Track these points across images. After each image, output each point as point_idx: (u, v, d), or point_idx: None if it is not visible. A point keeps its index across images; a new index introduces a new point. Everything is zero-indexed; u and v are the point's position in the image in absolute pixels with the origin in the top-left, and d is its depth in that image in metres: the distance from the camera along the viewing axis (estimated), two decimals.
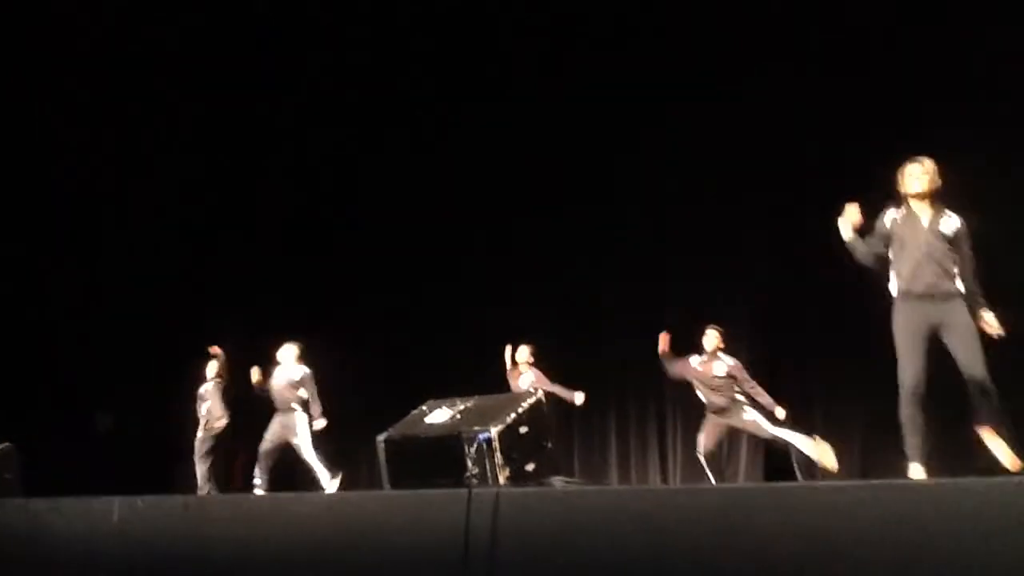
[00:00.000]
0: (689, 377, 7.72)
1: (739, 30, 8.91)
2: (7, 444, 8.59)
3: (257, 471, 8.44)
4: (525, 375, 8.38)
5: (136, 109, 11.22)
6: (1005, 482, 3.39)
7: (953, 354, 4.79)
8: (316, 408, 8.45)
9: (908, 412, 4.87)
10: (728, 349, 7.90)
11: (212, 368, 9.14)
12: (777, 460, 8.09)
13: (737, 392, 7.57)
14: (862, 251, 5.05)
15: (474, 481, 4.67)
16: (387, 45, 10.74)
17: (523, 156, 10.07)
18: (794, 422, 8.43)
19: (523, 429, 4.90)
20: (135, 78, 11.14)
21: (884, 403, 6.85)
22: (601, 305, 9.89)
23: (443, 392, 5.57)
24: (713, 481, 7.57)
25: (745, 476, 8.42)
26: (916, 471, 4.81)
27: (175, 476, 9.29)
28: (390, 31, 10.68)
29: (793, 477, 6.35)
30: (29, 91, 10.86)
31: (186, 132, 11.40)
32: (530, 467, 4.87)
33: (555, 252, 9.99)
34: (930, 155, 5.10)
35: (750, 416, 7.51)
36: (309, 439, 8.40)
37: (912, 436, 4.88)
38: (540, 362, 8.56)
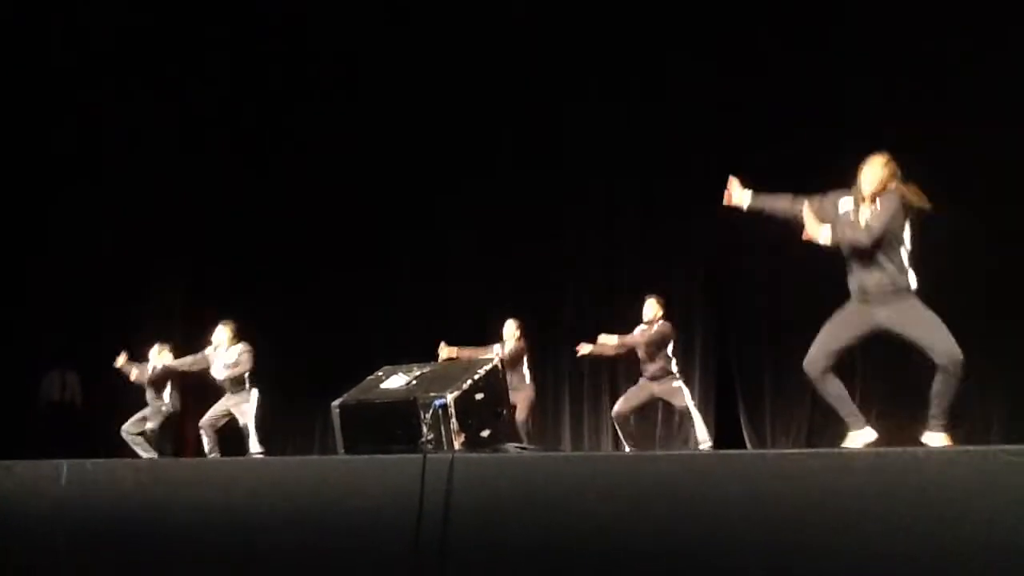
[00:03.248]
0: (633, 344, 7.83)
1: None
2: None
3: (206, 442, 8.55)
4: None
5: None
6: (948, 452, 3.46)
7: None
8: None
9: (821, 389, 4.95)
10: (675, 320, 8.00)
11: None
12: (728, 429, 8.20)
13: (667, 365, 7.69)
14: (778, 207, 5.07)
15: (429, 447, 4.67)
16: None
17: (474, 126, 10.07)
18: (744, 394, 8.58)
19: (479, 396, 4.91)
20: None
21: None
22: (554, 271, 9.95)
23: (400, 359, 5.57)
24: (627, 446, 7.67)
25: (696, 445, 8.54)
26: (863, 435, 4.88)
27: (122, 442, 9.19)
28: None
29: (743, 446, 6.47)
30: None
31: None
32: (485, 433, 4.89)
33: (508, 221, 10.02)
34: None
35: (677, 384, 7.68)
36: (254, 415, 8.48)
37: (841, 407, 4.96)
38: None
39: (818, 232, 4.90)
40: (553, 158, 9.95)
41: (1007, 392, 7.24)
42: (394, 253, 10.68)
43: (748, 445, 8.16)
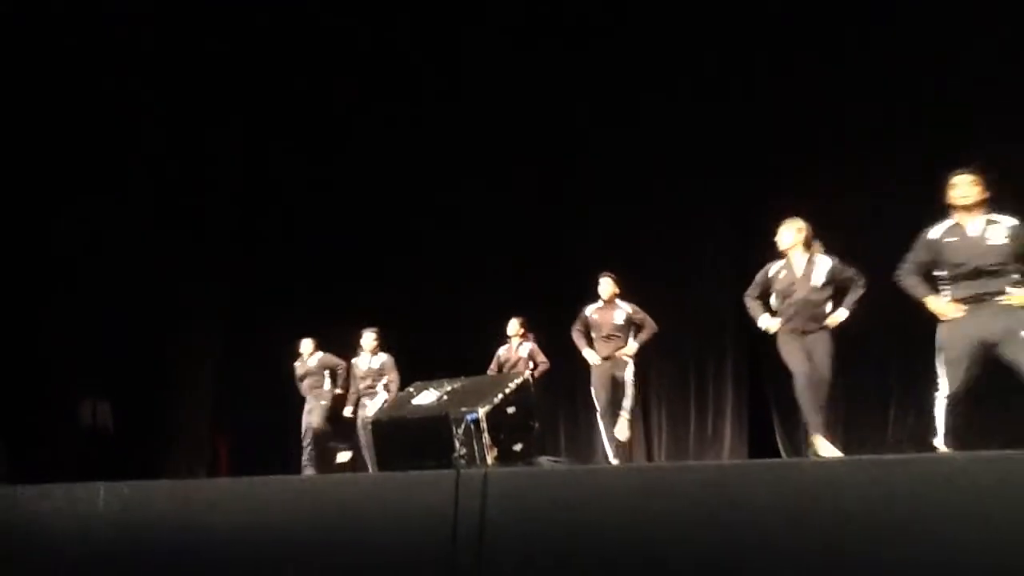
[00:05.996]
0: (584, 328, 7.96)
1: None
2: None
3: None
4: (522, 346, 8.55)
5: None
6: (991, 456, 3.42)
7: None
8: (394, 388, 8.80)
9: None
10: (704, 327, 7.97)
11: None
12: (762, 437, 8.15)
13: (623, 346, 7.82)
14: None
15: (462, 462, 4.68)
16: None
17: (490, 131, 10.10)
18: (776, 401, 8.51)
19: (510, 409, 4.92)
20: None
21: (867, 380, 6.94)
22: (582, 284, 9.92)
23: (429, 374, 5.58)
24: (605, 439, 7.80)
25: (730, 453, 8.47)
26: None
27: (163, 464, 9.28)
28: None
29: (777, 454, 6.43)
30: None
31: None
32: (517, 447, 4.89)
33: (533, 232, 10.03)
34: None
35: (629, 376, 7.80)
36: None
37: None
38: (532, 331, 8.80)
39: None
40: (581, 156, 9.96)
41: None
42: (414, 265, 10.72)
43: (782, 452, 8.10)
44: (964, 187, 5.18)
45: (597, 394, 7.87)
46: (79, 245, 11.16)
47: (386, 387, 8.84)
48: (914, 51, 8.05)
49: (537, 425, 5.06)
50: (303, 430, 9.35)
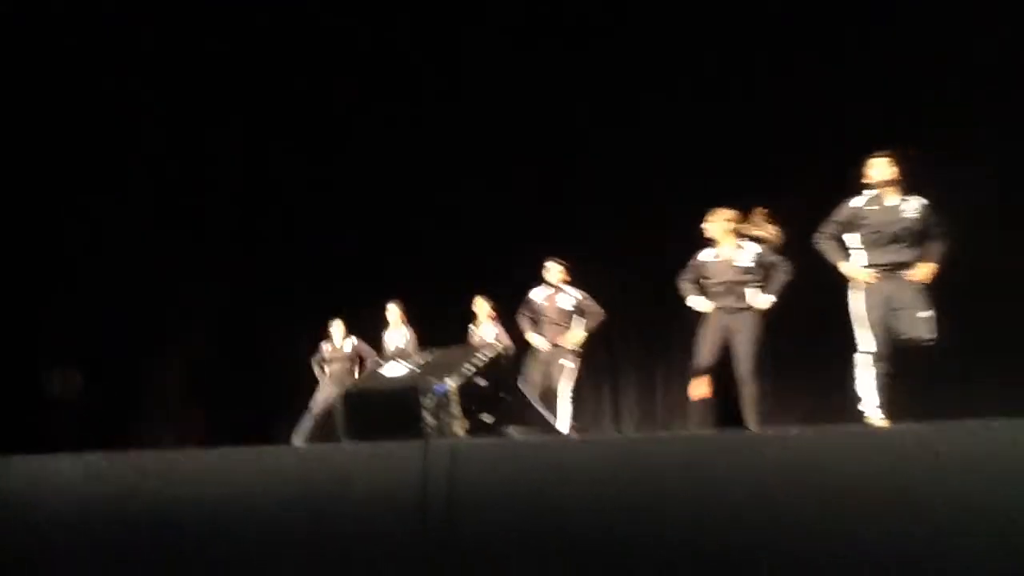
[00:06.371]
0: (529, 313, 8.02)
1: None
2: None
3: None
4: (488, 328, 8.52)
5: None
6: (953, 427, 3.34)
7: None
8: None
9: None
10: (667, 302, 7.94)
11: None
12: (727, 408, 8.06)
13: (567, 331, 7.83)
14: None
15: (431, 433, 4.63)
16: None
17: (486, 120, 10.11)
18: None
19: (481, 381, 4.87)
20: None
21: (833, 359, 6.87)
22: (583, 283, 9.87)
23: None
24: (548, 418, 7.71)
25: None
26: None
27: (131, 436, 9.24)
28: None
29: (742, 425, 6.38)
30: None
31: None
32: (488, 419, 4.84)
33: (533, 232, 9.98)
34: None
35: (568, 364, 7.81)
36: None
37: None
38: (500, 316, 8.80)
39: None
40: (581, 156, 9.96)
41: None
42: (392, 240, 10.72)
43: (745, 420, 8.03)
44: (881, 167, 5.73)
45: (530, 377, 7.77)
46: (79, 245, 11.19)
47: None
48: (914, 51, 7.99)
49: (508, 397, 5.01)
50: (313, 402, 9.21)
